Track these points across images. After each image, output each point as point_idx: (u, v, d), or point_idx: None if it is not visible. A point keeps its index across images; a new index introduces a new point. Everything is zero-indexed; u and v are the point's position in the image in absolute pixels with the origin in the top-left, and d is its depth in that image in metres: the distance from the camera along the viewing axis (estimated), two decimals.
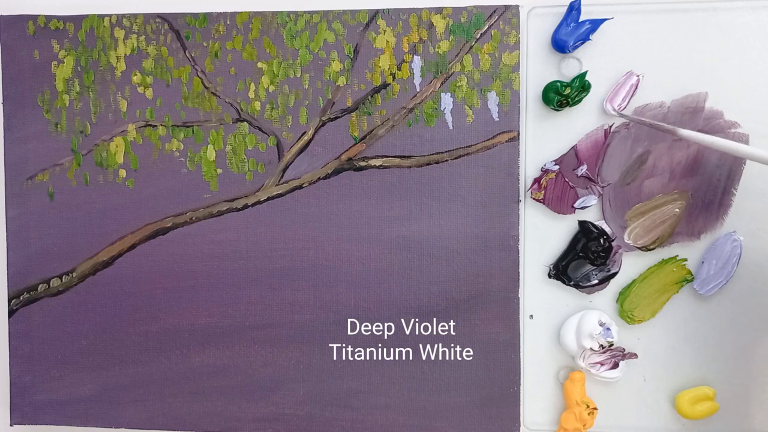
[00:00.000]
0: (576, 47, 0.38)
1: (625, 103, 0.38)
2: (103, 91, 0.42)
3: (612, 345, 0.38)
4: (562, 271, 0.39)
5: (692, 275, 0.39)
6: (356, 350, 0.41)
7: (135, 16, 0.41)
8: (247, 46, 0.41)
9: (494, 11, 0.39)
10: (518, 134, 0.39)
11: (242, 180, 0.41)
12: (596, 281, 0.39)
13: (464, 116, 0.40)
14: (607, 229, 0.39)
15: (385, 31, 0.40)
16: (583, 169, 0.39)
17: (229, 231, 0.41)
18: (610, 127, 0.39)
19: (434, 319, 0.40)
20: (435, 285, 0.40)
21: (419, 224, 0.40)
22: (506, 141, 0.39)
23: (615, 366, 0.38)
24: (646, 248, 0.39)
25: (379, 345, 0.41)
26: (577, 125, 0.39)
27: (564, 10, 0.38)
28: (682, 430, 0.39)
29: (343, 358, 0.41)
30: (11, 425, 0.43)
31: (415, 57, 0.40)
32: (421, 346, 0.40)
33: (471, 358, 0.40)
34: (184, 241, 0.42)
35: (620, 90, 0.38)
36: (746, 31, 0.38)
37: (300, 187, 0.41)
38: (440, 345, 0.40)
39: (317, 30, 0.40)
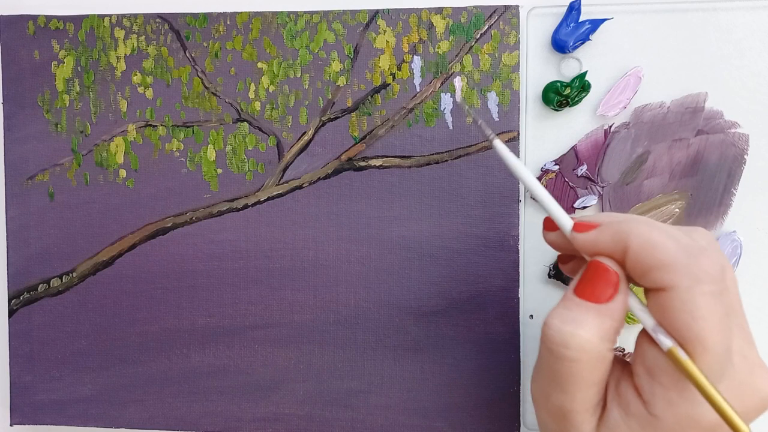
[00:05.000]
0: (576, 47, 0.38)
1: (621, 107, 0.38)
2: (103, 91, 0.42)
3: None
4: (562, 271, 0.39)
5: None
6: (356, 350, 0.41)
7: (135, 16, 0.41)
8: (247, 46, 0.41)
9: (494, 11, 0.39)
10: (518, 134, 0.39)
11: (242, 180, 0.41)
12: None
13: (464, 116, 0.40)
14: None
15: (385, 31, 0.40)
16: (582, 169, 0.39)
17: (229, 231, 0.41)
18: (610, 127, 0.39)
19: (434, 319, 0.40)
20: (435, 285, 0.40)
21: (419, 224, 0.40)
22: (506, 141, 0.39)
23: None
24: None
25: (380, 345, 0.41)
26: (577, 125, 0.39)
27: (564, 10, 0.38)
28: None
29: (344, 358, 0.41)
30: (11, 425, 0.43)
31: (415, 57, 0.40)
32: (421, 346, 0.40)
33: (471, 358, 0.40)
34: (184, 241, 0.42)
35: (615, 95, 0.38)
36: (746, 31, 0.38)
37: (300, 187, 0.41)
38: (440, 345, 0.40)
39: (317, 30, 0.40)
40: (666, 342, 0.25)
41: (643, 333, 0.27)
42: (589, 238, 0.28)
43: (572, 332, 0.26)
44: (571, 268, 0.33)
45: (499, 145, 0.31)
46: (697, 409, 0.25)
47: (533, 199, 0.32)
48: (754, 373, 0.26)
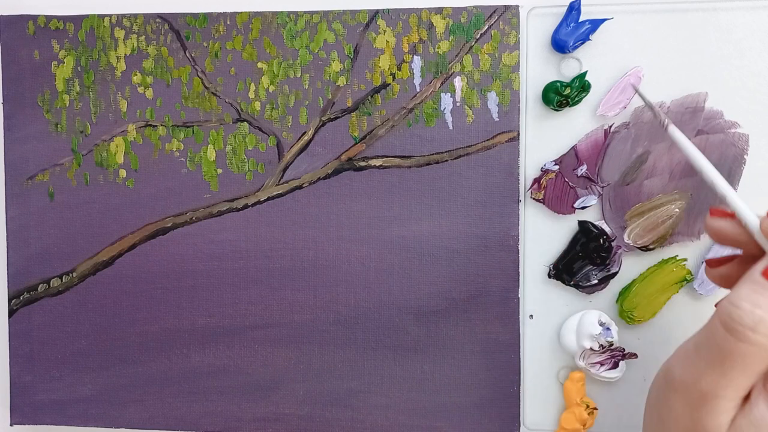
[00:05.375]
0: (576, 47, 0.38)
1: (618, 109, 0.38)
2: (103, 91, 0.42)
3: (612, 345, 0.38)
4: (562, 271, 0.39)
5: (692, 275, 0.38)
6: (356, 350, 0.41)
7: (135, 16, 0.41)
8: (247, 46, 0.41)
9: (494, 11, 0.39)
10: (518, 134, 0.39)
11: (242, 180, 0.41)
12: (596, 281, 0.39)
13: (464, 116, 0.40)
14: (607, 229, 0.39)
15: (385, 31, 0.40)
16: (582, 169, 0.39)
17: (229, 231, 0.41)
18: (610, 127, 0.39)
19: (434, 319, 0.40)
20: (435, 285, 0.40)
21: (419, 224, 0.40)
22: (506, 141, 0.39)
23: (615, 366, 0.38)
24: (646, 248, 0.39)
25: (380, 345, 0.41)
26: (577, 125, 0.39)
27: (564, 10, 0.38)
28: None
29: (344, 358, 0.41)
30: (11, 425, 0.43)
31: (415, 57, 0.40)
32: (421, 346, 0.40)
33: (471, 358, 0.40)
34: (184, 241, 0.42)
35: (615, 95, 0.38)
36: (746, 31, 0.38)
37: (300, 187, 0.41)
38: (440, 345, 0.40)
39: (317, 30, 0.40)
40: None
41: None
42: None
43: (763, 317, 0.25)
44: (721, 274, 0.31)
45: (675, 132, 0.33)
46: None
47: (705, 179, 0.32)
48: None
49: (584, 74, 0.38)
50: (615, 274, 0.39)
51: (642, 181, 0.39)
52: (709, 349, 0.27)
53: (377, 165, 0.40)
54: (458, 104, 0.40)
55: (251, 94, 0.41)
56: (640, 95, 0.37)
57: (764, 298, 0.26)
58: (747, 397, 0.27)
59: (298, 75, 0.41)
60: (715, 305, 0.28)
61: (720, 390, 0.27)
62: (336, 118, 0.41)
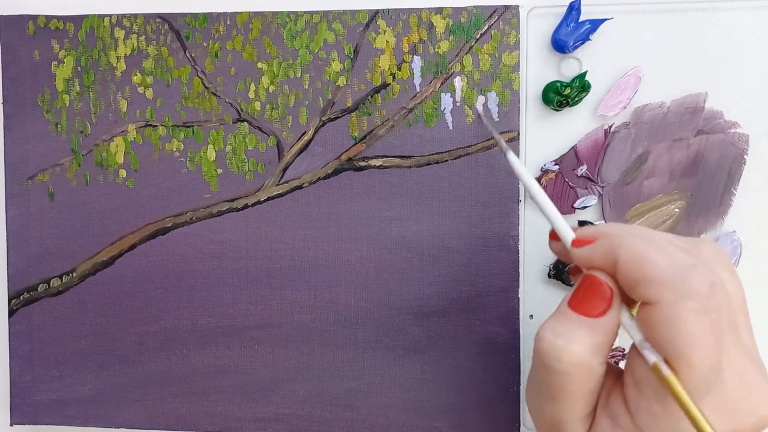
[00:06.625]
0: (576, 47, 0.38)
1: (619, 109, 0.38)
2: (103, 91, 0.42)
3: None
4: (562, 271, 0.39)
5: None
6: (356, 350, 0.41)
7: (135, 16, 0.41)
8: (247, 46, 0.41)
9: (494, 11, 0.39)
10: (518, 134, 0.39)
11: (242, 180, 0.41)
12: None
13: (464, 116, 0.40)
14: None
15: (385, 31, 0.40)
16: (582, 169, 0.39)
17: (229, 231, 0.41)
18: (610, 127, 0.39)
19: (434, 319, 0.40)
20: (435, 285, 0.40)
21: (419, 224, 0.40)
22: (506, 141, 0.39)
23: None
24: None
25: (380, 345, 0.41)
26: (577, 125, 0.39)
27: (564, 10, 0.38)
28: None
29: (344, 358, 0.41)
30: (11, 425, 0.43)
31: (415, 57, 0.40)
32: (421, 346, 0.40)
33: (471, 358, 0.40)
34: (184, 241, 0.42)
35: (615, 95, 0.38)
36: (746, 31, 0.38)
37: (300, 187, 0.41)
38: (440, 345, 0.40)
39: (317, 30, 0.40)
40: (650, 356, 0.25)
41: (635, 345, 0.27)
42: (584, 253, 0.28)
43: (564, 346, 0.26)
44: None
45: (512, 157, 0.34)
46: (681, 425, 0.25)
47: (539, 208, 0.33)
48: (751, 392, 0.26)
49: (584, 74, 0.38)
50: None
51: (642, 181, 0.39)
52: (537, 379, 0.28)
53: (377, 165, 0.40)
54: (458, 104, 0.40)
55: (251, 94, 0.41)
56: (483, 119, 0.38)
57: (566, 327, 0.27)
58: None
59: (298, 75, 0.41)
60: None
61: (559, 415, 0.27)
62: (336, 118, 0.41)
